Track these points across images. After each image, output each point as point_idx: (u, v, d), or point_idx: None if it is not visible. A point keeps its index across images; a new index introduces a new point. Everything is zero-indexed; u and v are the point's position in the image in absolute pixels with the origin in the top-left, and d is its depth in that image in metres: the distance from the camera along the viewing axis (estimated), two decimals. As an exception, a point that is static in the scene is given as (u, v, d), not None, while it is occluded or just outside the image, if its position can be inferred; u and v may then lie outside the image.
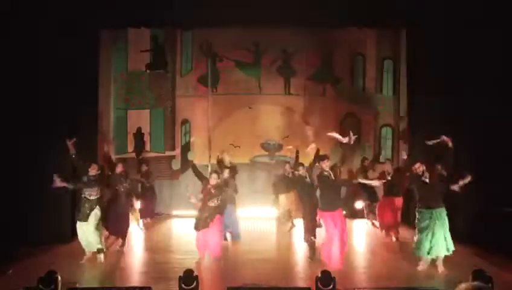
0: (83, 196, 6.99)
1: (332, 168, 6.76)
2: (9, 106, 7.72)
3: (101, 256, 6.98)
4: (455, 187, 6.49)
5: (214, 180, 6.97)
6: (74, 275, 6.20)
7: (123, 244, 7.72)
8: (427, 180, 6.55)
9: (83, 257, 6.96)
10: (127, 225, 7.84)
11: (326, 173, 6.66)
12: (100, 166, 7.42)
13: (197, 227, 7.03)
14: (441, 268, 6.43)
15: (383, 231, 8.58)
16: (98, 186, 7.07)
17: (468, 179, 6.45)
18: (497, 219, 7.50)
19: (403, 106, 10.01)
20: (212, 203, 6.91)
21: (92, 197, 6.96)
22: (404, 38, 9.70)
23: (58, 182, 6.75)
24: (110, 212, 7.53)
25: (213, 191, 6.92)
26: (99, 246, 6.98)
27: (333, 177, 6.68)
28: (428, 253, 6.44)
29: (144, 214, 9.58)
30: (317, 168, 7.07)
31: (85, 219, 6.91)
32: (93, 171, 7.04)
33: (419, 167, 6.56)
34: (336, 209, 6.60)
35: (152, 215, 9.95)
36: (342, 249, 6.55)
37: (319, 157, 7.06)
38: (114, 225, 7.61)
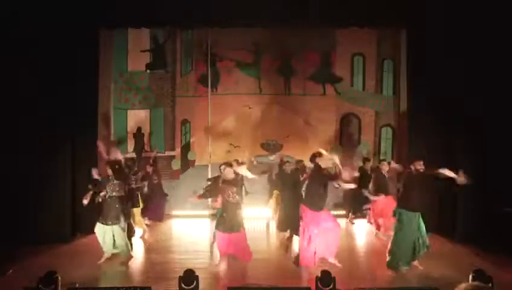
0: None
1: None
2: (10, 106, 7.72)
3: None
4: None
5: (230, 174, 6.63)
6: (74, 275, 6.20)
7: None
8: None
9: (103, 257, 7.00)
10: None
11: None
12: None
13: (225, 229, 6.58)
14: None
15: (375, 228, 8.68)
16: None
17: None
18: (497, 218, 7.51)
19: (403, 106, 10.01)
20: (233, 199, 6.58)
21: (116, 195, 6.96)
22: (404, 38, 9.71)
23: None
24: None
25: (232, 186, 6.62)
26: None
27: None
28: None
29: (153, 215, 9.59)
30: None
31: (117, 220, 6.92)
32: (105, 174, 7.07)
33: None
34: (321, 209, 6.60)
35: (161, 217, 9.88)
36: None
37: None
38: None
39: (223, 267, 6.66)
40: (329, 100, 10.89)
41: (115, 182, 6.88)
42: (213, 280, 6.30)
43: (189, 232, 9.13)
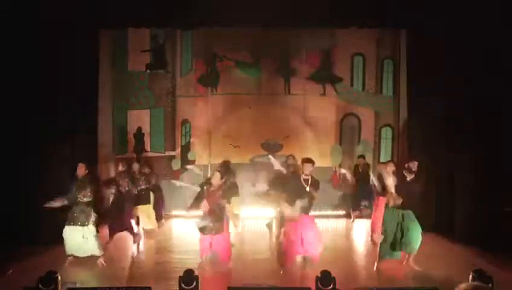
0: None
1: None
2: (10, 107, 7.72)
3: (102, 260, 6.89)
4: None
5: (217, 180, 6.78)
6: (74, 275, 6.20)
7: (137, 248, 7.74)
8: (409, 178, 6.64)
9: (66, 260, 6.87)
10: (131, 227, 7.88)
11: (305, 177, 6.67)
12: (88, 167, 7.27)
13: (206, 231, 6.74)
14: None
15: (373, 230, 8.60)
16: (90, 188, 6.91)
17: None
18: (497, 218, 7.51)
19: (403, 106, 10.02)
20: (220, 204, 6.70)
21: (84, 199, 6.85)
22: (404, 38, 9.70)
23: (54, 203, 6.73)
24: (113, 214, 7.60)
25: (219, 193, 6.73)
26: (99, 251, 6.88)
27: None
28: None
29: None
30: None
31: (80, 222, 6.79)
32: (81, 171, 6.93)
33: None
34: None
35: (160, 217, 9.92)
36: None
37: (302, 160, 6.91)
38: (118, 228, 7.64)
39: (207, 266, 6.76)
40: (329, 100, 10.89)
41: (87, 188, 6.86)
42: (213, 280, 6.30)
43: (189, 232, 9.11)
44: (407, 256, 6.70)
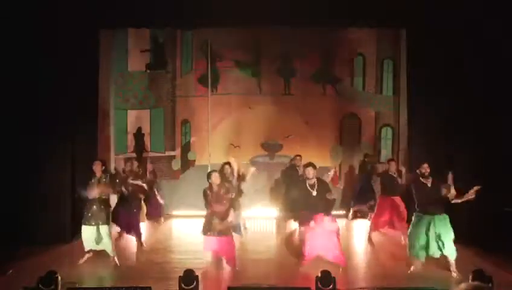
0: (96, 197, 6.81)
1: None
2: (10, 106, 7.73)
3: (115, 259, 6.90)
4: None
5: (216, 179, 6.60)
6: (74, 275, 6.21)
7: (141, 243, 7.79)
8: (429, 184, 6.54)
9: (84, 257, 6.88)
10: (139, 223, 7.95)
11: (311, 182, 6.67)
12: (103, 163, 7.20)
13: (209, 232, 6.66)
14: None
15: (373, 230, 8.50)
16: (112, 185, 6.96)
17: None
18: (497, 218, 7.51)
19: (403, 106, 10.01)
20: (222, 205, 6.59)
21: (104, 197, 6.86)
22: (404, 38, 9.71)
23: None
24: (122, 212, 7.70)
25: (221, 192, 6.59)
26: (112, 251, 6.87)
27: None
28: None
29: (151, 215, 9.65)
30: None
31: (100, 221, 6.76)
32: (97, 169, 6.84)
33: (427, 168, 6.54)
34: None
35: (159, 216, 9.95)
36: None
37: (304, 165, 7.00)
38: (127, 225, 7.70)
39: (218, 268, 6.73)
40: (329, 100, 10.88)
41: (109, 186, 6.87)
42: (213, 280, 6.30)
43: (189, 232, 9.12)
44: (448, 260, 6.47)
